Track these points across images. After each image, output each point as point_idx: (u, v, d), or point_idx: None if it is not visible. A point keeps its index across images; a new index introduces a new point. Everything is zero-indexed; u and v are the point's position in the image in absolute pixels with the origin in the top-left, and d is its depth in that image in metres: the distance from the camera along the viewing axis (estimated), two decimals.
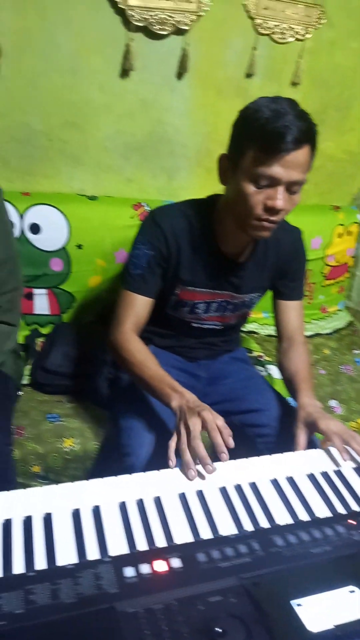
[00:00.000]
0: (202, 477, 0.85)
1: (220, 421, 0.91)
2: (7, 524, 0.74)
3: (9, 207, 1.44)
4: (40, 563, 0.69)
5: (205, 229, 1.14)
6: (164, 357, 1.23)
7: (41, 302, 1.63)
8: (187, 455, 0.86)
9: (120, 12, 1.42)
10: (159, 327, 1.27)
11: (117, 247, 1.63)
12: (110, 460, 1.26)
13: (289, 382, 1.18)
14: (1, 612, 0.60)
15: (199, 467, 0.86)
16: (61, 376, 1.45)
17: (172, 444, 0.90)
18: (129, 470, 1.02)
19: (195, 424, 0.89)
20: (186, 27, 1.48)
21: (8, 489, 0.80)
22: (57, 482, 1.25)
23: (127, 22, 1.44)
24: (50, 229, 1.56)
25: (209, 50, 1.57)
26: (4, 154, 1.54)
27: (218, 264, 1.16)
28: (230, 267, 1.18)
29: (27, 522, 0.75)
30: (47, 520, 0.75)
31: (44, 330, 1.65)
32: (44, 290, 1.62)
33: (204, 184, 1.73)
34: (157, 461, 1.07)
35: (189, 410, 0.92)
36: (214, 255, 1.15)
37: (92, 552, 0.71)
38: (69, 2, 1.39)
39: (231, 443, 0.88)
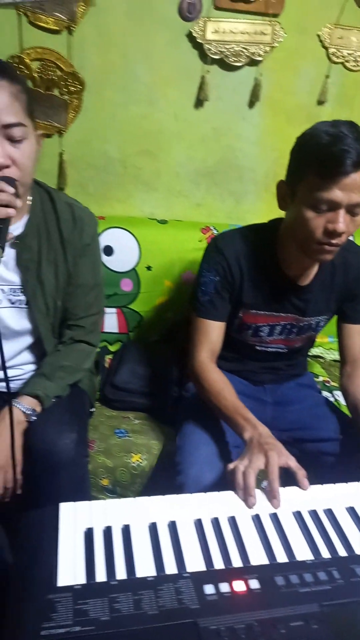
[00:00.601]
0: (248, 504, 0.85)
1: (292, 462, 0.91)
2: (89, 532, 0.77)
3: None
4: (121, 573, 0.72)
5: (268, 252, 1.16)
6: (230, 381, 1.25)
7: (110, 321, 1.69)
8: (238, 477, 0.88)
9: (198, 46, 1.49)
10: (224, 350, 1.29)
11: (185, 269, 1.68)
12: (163, 477, 1.28)
13: (354, 407, 1.16)
14: (89, 617, 0.63)
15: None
16: (129, 393, 1.49)
17: (231, 465, 0.92)
18: (179, 488, 1.04)
19: (257, 460, 0.90)
20: (260, 58, 1.53)
21: (84, 500, 0.84)
22: (123, 496, 1.30)
23: (203, 55, 1.50)
24: (123, 251, 1.63)
25: (281, 79, 1.61)
26: (82, 180, 1.63)
27: (281, 287, 1.17)
28: (294, 290, 1.18)
29: (107, 532, 0.78)
30: (126, 531, 0.78)
31: (112, 348, 1.71)
32: (113, 310, 1.68)
33: (271, 208, 1.74)
34: (224, 482, 1.08)
35: (258, 445, 0.93)
36: (277, 279, 1.17)
37: (170, 566, 0.73)
38: (149, 39, 1.47)
39: (305, 485, 0.88)
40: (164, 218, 1.71)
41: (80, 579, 0.70)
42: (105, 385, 1.52)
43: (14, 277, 1.15)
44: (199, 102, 1.58)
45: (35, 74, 1.45)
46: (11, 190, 0.92)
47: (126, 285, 1.66)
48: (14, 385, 1.27)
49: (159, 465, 1.29)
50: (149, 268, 1.66)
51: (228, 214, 1.77)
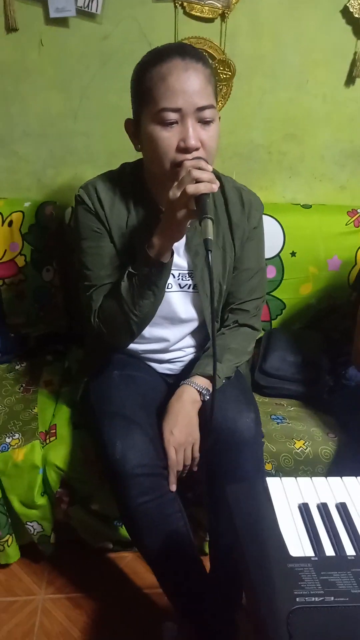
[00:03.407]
0: None
1: None
2: (305, 507, 0.77)
3: None
4: (349, 549, 0.70)
5: None
6: None
7: None
8: None
9: (352, 22, 1.44)
10: None
11: (331, 254, 1.62)
12: (338, 465, 1.25)
13: None
14: (339, 589, 0.62)
15: None
16: (280, 380, 1.47)
17: None
18: None
19: None
20: None
21: (262, 479, 0.82)
22: None
23: (358, 31, 1.45)
24: (267, 238, 1.59)
25: None
26: (226, 168, 1.63)
27: None
28: None
29: (325, 508, 0.76)
30: (344, 509, 0.76)
31: None
32: None
33: None
34: None
35: None
36: None
37: None
38: (301, 21, 1.44)
39: None
40: (307, 203, 1.67)
41: (308, 551, 0.70)
42: (255, 371, 1.51)
43: (183, 262, 1.17)
44: (350, 80, 1.52)
45: None
46: (210, 168, 0.94)
47: (270, 272, 1.64)
48: (175, 366, 1.31)
49: (326, 453, 1.26)
50: (293, 254, 1.63)
51: None
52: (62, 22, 1.44)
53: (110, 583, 1.34)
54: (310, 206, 1.66)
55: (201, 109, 0.95)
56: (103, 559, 1.39)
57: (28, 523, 1.27)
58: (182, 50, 0.96)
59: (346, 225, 1.62)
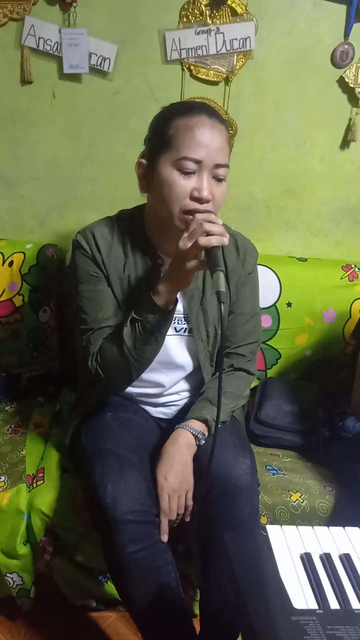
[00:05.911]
0: None
1: None
2: (308, 557, 0.73)
3: None
4: (355, 602, 0.66)
5: None
6: None
7: None
8: None
9: (347, 91, 1.54)
10: None
11: (326, 306, 1.65)
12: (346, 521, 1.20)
13: None
14: None
15: None
16: (276, 429, 1.45)
17: None
18: None
19: None
20: None
21: (257, 531, 0.79)
22: None
23: (354, 98, 1.54)
24: (264, 288, 1.62)
25: None
26: (225, 220, 1.63)
27: None
28: None
29: (328, 559, 0.73)
30: (347, 560, 0.73)
31: None
32: None
33: None
34: None
35: None
36: None
37: None
38: (302, 88, 1.54)
39: None
40: (302, 256, 1.71)
41: (312, 603, 0.66)
42: (249, 420, 1.48)
43: (178, 306, 1.18)
44: (346, 144, 1.60)
45: None
46: (220, 222, 0.97)
47: (266, 322, 1.65)
48: (170, 410, 1.29)
49: (323, 506, 1.22)
50: (289, 304, 1.65)
51: None
52: (75, 77, 1.52)
53: None
54: (306, 259, 1.70)
55: (218, 166, 1.01)
56: (84, 618, 1.30)
57: (7, 575, 1.19)
58: (209, 110, 1.03)
59: (341, 279, 1.66)
